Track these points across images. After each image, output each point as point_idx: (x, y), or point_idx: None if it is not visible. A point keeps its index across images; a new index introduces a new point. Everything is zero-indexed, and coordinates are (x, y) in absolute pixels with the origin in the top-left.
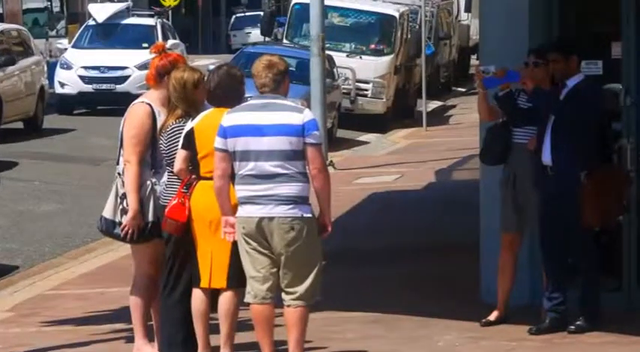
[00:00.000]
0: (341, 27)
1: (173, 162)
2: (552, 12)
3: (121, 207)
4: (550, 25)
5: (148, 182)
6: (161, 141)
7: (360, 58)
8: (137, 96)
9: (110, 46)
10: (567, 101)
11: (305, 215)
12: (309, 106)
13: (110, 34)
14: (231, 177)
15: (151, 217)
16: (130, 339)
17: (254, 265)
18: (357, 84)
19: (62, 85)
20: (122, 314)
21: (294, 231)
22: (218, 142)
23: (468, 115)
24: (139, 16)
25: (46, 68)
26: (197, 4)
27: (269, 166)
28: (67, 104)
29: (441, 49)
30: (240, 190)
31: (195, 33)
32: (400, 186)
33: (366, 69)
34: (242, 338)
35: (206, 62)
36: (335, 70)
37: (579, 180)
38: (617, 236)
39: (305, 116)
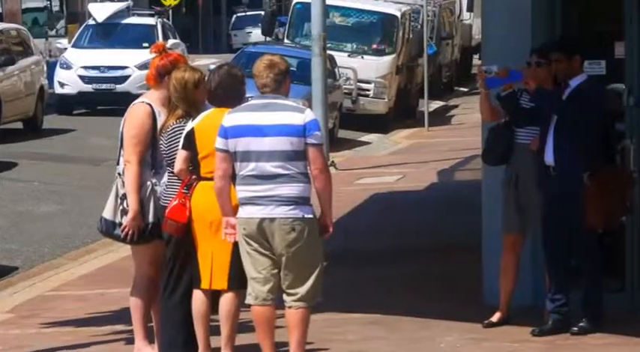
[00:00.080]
0: (342, 26)
1: (173, 162)
2: (555, 11)
3: (121, 207)
4: (553, 25)
5: (149, 182)
6: (161, 142)
7: (362, 57)
8: (137, 96)
9: (110, 46)
10: (570, 101)
11: (306, 216)
12: (310, 106)
13: (110, 34)
14: (232, 177)
15: (151, 218)
16: (130, 341)
17: (255, 266)
18: (358, 84)
19: (62, 84)
20: (122, 316)
21: (295, 231)
22: (219, 143)
23: (470, 115)
24: (139, 15)
25: (45, 68)
26: (197, 3)
27: (270, 167)
28: (67, 104)
29: (443, 49)
30: (241, 191)
31: (196, 32)
32: (402, 186)
33: (368, 69)
34: (243, 339)
35: (207, 62)
36: (336, 69)
37: (582, 181)
38: (620, 237)
39: (306, 116)
